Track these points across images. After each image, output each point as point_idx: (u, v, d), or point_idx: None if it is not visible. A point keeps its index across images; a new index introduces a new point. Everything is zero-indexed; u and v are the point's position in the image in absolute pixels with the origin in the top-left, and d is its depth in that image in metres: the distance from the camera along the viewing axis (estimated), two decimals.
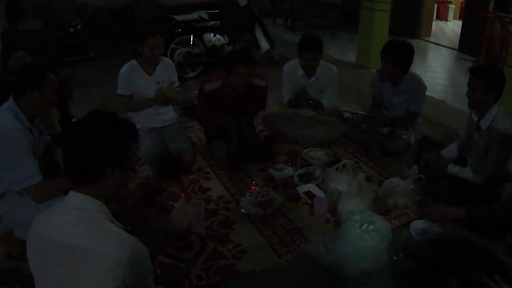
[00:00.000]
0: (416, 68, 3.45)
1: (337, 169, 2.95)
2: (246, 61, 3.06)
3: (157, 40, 3.14)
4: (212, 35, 5.78)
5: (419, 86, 3.42)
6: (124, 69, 3.25)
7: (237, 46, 5.86)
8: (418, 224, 2.57)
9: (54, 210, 1.33)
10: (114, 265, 1.18)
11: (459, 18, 10.19)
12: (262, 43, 6.18)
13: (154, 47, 3.13)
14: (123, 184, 1.44)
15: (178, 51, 5.62)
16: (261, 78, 3.37)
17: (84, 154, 1.28)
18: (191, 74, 5.78)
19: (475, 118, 2.70)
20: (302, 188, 3.06)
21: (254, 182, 3.06)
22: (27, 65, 2.26)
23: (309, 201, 2.91)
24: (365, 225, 2.24)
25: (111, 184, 1.34)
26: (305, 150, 3.49)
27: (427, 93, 3.56)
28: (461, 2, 10.58)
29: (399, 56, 3.27)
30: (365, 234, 2.22)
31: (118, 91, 3.27)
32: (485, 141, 2.60)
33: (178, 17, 5.67)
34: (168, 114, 3.47)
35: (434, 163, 2.86)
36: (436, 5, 10.06)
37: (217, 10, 6.15)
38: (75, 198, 1.31)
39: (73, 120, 3.33)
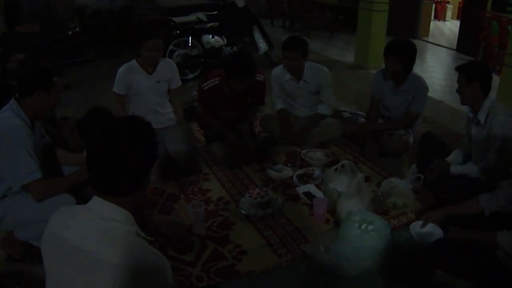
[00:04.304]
0: (415, 68, 3.45)
1: (336, 169, 2.96)
2: (248, 74, 3.13)
3: (157, 43, 3.16)
4: (210, 36, 5.78)
5: (422, 86, 3.41)
6: (122, 68, 3.29)
7: (235, 48, 5.87)
8: (419, 226, 2.54)
9: (76, 213, 1.29)
10: (134, 279, 1.16)
11: (457, 18, 10.20)
12: (261, 45, 6.18)
13: (152, 49, 3.15)
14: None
15: (176, 53, 5.63)
16: (259, 73, 3.39)
17: (132, 164, 1.24)
18: (190, 76, 5.78)
19: (470, 115, 2.73)
20: (301, 189, 3.07)
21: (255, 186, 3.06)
22: (37, 66, 2.28)
23: (309, 202, 2.91)
24: (364, 225, 2.26)
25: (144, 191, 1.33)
26: (304, 151, 3.51)
27: None
28: (459, 2, 10.60)
29: (402, 54, 3.27)
30: (364, 234, 2.23)
31: (113, 89, 3.32)
32: (485, 136, 2.61)
33: (176, 19, 5.68)
34: (168, 115, 3.47)
35: (440, 170, 2.86)
36: (434, 5, 10.07)
37: (216, 12, 6.16)
38: (103, 207, 1.26)
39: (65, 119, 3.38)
